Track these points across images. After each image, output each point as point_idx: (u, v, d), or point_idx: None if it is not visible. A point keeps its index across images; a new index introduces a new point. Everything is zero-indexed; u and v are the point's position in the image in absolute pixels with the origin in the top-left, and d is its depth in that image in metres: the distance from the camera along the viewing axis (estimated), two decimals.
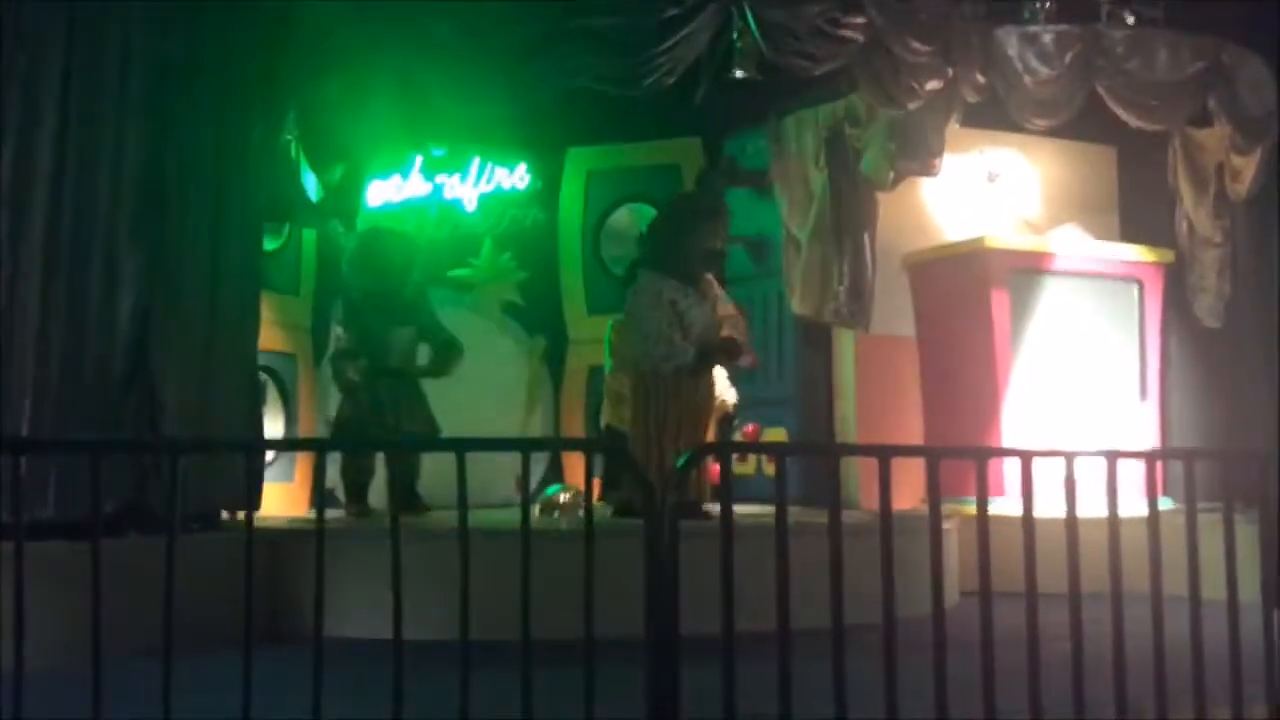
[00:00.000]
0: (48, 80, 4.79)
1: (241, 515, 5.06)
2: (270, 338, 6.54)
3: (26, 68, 4.74)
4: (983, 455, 3.39)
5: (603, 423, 7.49)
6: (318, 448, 4.00)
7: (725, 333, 5.94)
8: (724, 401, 6.51)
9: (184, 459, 4.80)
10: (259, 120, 5.71)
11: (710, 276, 6.09)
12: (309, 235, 7.80)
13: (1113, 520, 3.31)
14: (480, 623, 3.00)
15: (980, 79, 6.52)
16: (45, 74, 4.77)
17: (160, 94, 5.15)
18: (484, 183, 8.55)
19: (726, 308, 6.08)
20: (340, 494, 6.83)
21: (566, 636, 2.98)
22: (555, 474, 7.74)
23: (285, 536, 5.17)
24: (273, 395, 7.19)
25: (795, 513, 3.17)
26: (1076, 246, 7.58)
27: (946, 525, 5.15)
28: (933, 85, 6.23)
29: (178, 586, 2.91)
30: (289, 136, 6.29)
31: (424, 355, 7.13)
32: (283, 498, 7.06)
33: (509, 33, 5.50)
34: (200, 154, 5.36)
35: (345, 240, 7.36)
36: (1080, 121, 7.11)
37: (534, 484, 6.71)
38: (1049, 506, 3.30)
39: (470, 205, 8.54)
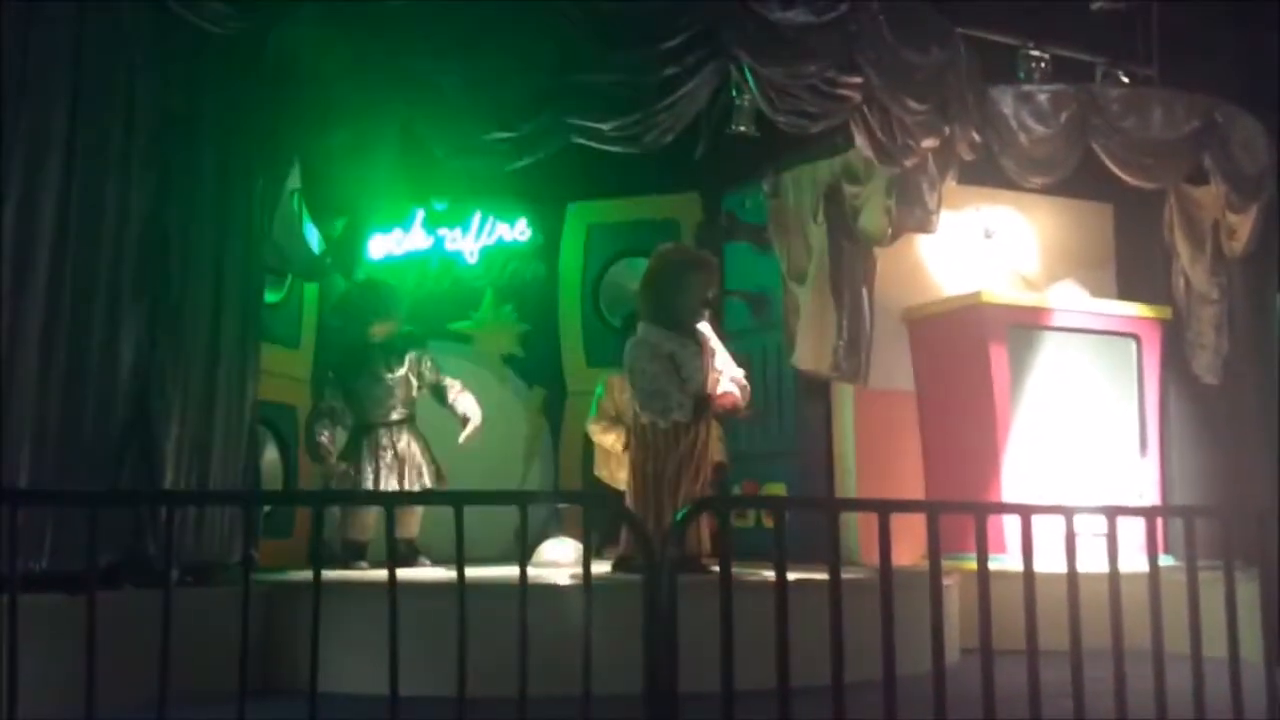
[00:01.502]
0: (52, 135, 4.83)
1: (238, 568, 5.05)
2: (270, 389, 6.54)
3: (31, 123, 4.78)
4: (983, 511, 3.39)
5: (595, 475, 7.53)
6: (315, 501, 4.00)
7: (723, 388, 5.95)
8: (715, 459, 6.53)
9: (181, 511, 4.84)
10: (261, 173, 5.76)
11: (709, 328, 6.11)
12: (310, 288, 7.84)
13: (1113, 577, 3.31)
14: (477, 677, 2.98)
15: (976, 137, 6.60)
16: (49, 129, 4.82)
17: (163, 148, 5.20)
18: (485, 236, 8.62)
19: (727, 361, 6.09)
20: (338, 548, 6.81)
21: (564, 692, 2.95)
22: (554, 527, 7.71)
23: (281, 590, 5.13)
24: (271, 448, 7.18)
25: (794, 568, 3.16)
26: (1074, 302, 7.62)
27: (947, 581, 5.13)
28: (929, 143, 6.30)
29: (173, 639, 2.89)
30: (291, 189, 6.34)
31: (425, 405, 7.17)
32: (280, 551, 7.01)
33: (510, 88, 5.56)
34: (203, 207, 5.39)
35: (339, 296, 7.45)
36: (1076, 179, 7.18)
37: (532, 537, 6.70)
38: (1049, 562, 3.29)
39: (471, 258, 8.59)
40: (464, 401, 7.06)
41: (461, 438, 6.99)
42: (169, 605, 2.92)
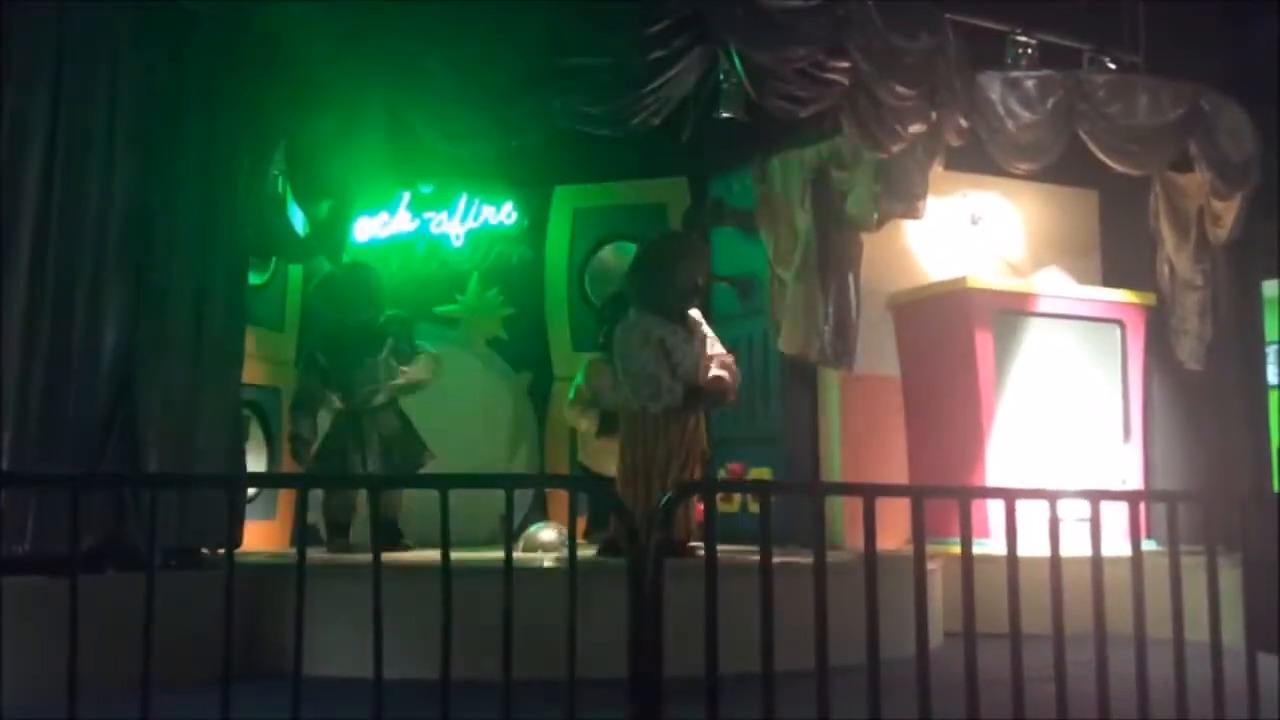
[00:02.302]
0: (35, 115, 4.79)
1: (222, 551, 5.04)
2: (254, 372, 6.52)
3: (13, 103, 4.74)
4: (967, 495, 3.40)
5: (579, 460, 7.54)
6: (299, 484, 3.99)
7: (713, 373, 5.94)
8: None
9: (164, 494, 4.82)
10: (247, 155, 5.73)
11: (698, 314, 6.11)
12: (295, 270, 7.81)
13: (1096, 561, 3.32)
14: (462, 661, 2.98)
15: (963, 123, 6.60)
16: (33, 109, 4.78)
17: (148, 129, 5.16)
18: (471, 219, 8.59)
19: (717, 348, 6.08)
20: (322, 531, 6.80)
21: (549, 675, 2.96)
22: (539, 511, 7.72)
23: (265, 573, 5.12)
24: (256, 430, 7.16)
25: (780, 552, 3.16)
26: (1059, 288, 7.64)
27: (931, 565, 5.15)
28: (916, 129, 6.29)
29: (156, 623, 2.88)
30: (276, 172, 6.30)
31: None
32: (265, 535, 7.01)
33: (497, 71, 5.53)
34: (187, 189, 5.36)
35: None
36: (1062, 165, 7.19)
37: (518, 521, 6.71)
38: (1033, 547, 3.30)
39: (457, 241, 8.57)
40: (420, 362, 7.04)
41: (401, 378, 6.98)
42: (152, 589, 2.91)
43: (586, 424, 7.08)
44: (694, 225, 8.06)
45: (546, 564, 5.86)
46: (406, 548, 6.62)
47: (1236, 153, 7.27)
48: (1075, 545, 3.39)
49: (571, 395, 7.26)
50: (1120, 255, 8.08)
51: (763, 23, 5.59)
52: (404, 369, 6.99)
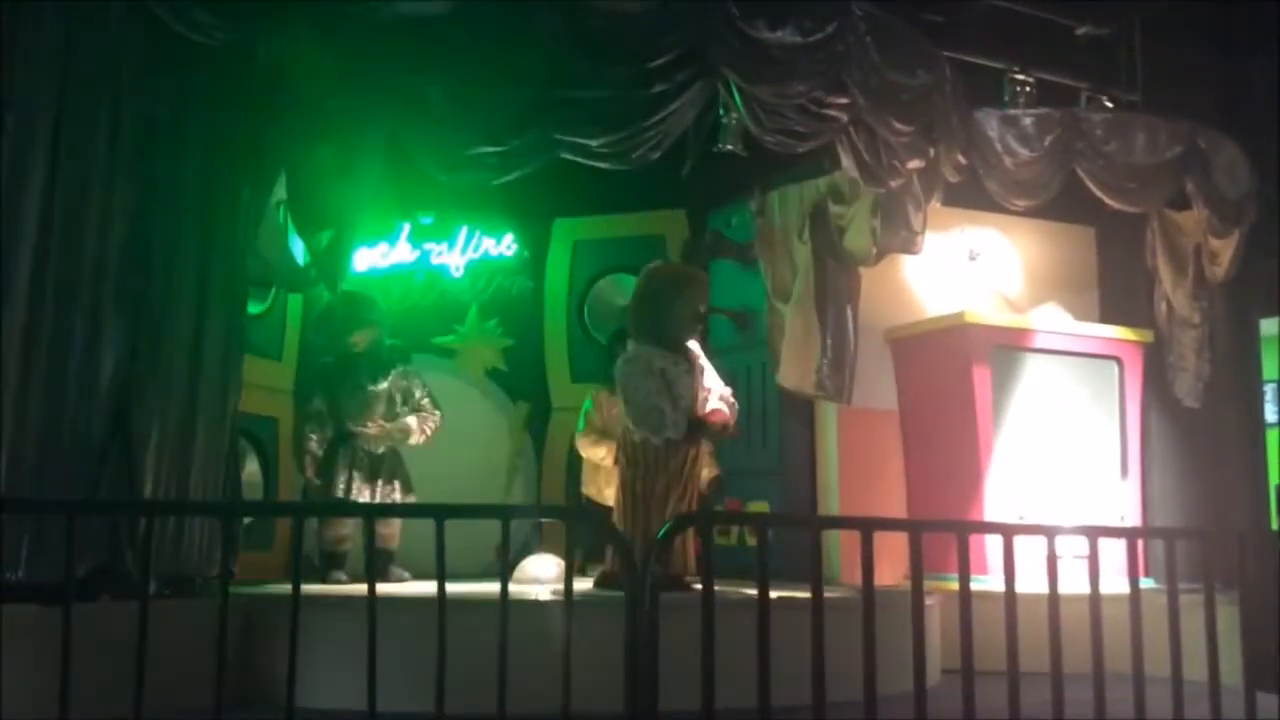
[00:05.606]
0: (36, 143, 4.81)
1: (217, 580, 5.01)
2: (252, 401, 6.51)
3: (15, 130, 4.76)
4: (965, 530, 3.40)
5: (582, 492, 7.51)
6: (295, 513, 3.98)
7: (712, 406, 5.93)
8: (709, 473, 6.52)
9: (160, 522, 4.80)
10: (247, 184, 5.75)
11: (696, 347, 6.11)
12: (294, 300, 7.82)
13: (1094, 599, 3.31)
14: (456, 694, 2.96)
15: (961, 159, 6.63)
16: (34, 136, 4.79)
17: (148, 157, 5.18)
18: (471, 250, 8.63)
19: (716, 382, 6.07)
20: (317, 561, 6.77)
21: (544, 710, 2.94)
22: (538, 543, 7.68)
23: (260, 603, 5.10)
24: (252, 459, 7.14)
25: (777, 586, 3.15)
26: (1057, 325, 7.66)
27: (928, 601, 5.13)
28: (915, 164, 6.33)
29: (150, 652, 2.87)
30: (276, 201, 6.32)
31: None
32: (260, 565, 6.96)
33: (498, 102, 5.56)
34: (187, 217, 5.37)
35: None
36: (1060, 202, 7.23)
37: (514, 553, 6.68)
38: (1031, 583, 3.30)
39: (457, 272, 8.60)
40: (421, 419, 7.05)
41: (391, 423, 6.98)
42: (145, 617, 2.90)
43: (602, 454, 7.01)
44: (693, 257, 8.08)
45: (542, 596, 5.83)
46: (403, 578, 6.60)
47: (1233, 190, 7.32)
48: (1073, 582, 3.38)
49: (581, 425, 7.22)
50: (1118, 292, 8.10)
51: (763, 58, 5.63)
52: (408, 419, 7.00)
